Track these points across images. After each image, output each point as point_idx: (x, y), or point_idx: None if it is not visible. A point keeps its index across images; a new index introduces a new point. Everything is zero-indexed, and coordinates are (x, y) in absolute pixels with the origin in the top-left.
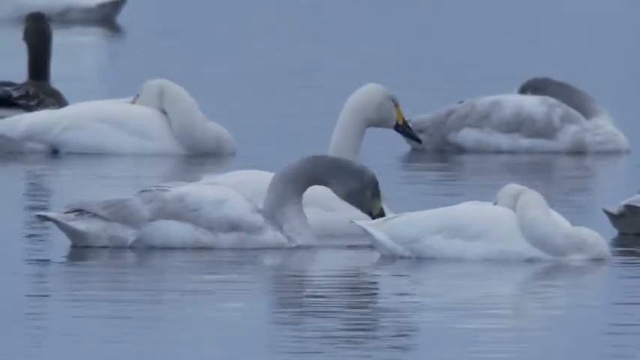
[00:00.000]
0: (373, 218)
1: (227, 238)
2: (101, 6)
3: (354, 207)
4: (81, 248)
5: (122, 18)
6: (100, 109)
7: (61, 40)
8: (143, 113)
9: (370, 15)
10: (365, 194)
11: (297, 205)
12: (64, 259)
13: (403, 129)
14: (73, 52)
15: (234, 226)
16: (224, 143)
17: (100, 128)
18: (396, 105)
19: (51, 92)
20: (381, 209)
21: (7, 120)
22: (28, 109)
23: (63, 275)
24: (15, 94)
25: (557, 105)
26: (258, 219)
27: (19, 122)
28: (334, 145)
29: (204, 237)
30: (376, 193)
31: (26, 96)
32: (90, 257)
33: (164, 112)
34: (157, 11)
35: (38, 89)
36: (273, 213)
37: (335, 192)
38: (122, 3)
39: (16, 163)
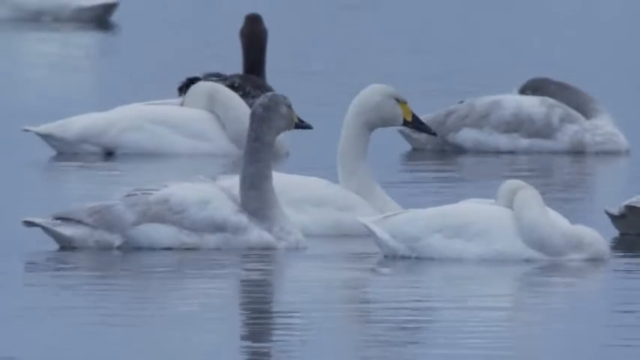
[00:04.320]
0: (296, 126)
1: (212, 239)
2: (92, 8)
3: (284, 128)
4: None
5: (116, 16)
6: (154, 112)
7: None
8: (197, 115)
9: (369, 15)
10: (288, 110)
11: (274, 194)
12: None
13: (414, 125)
14: (68, 52)
15: (218, 227)
16: (278, 144)
17: (156, 130)
18: (403, 102)
19: (260, 86)
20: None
21: (61, 122)
22: None
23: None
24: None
25: (557, 105)
26: (243, 220)
27: (73, 124)
28: (340, 150)
29: (189, 239)
30: (290, 104)
31: (231, 86)
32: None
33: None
34: (151, 8)
35: (246, 82)
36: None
37: (275, 127)
38: (114, 6)
39: (72, 164)
